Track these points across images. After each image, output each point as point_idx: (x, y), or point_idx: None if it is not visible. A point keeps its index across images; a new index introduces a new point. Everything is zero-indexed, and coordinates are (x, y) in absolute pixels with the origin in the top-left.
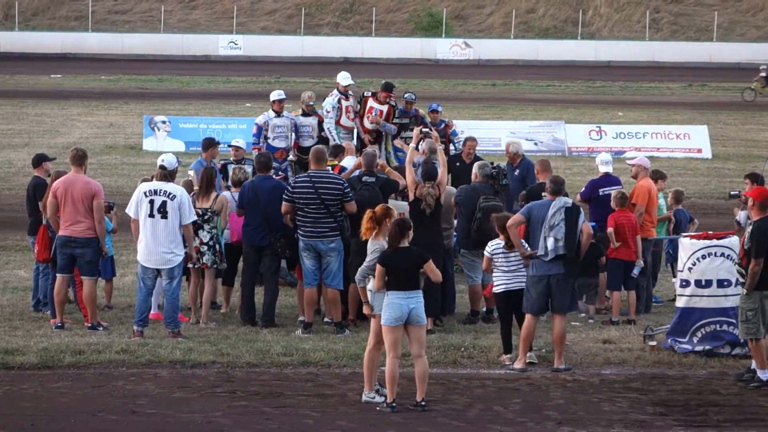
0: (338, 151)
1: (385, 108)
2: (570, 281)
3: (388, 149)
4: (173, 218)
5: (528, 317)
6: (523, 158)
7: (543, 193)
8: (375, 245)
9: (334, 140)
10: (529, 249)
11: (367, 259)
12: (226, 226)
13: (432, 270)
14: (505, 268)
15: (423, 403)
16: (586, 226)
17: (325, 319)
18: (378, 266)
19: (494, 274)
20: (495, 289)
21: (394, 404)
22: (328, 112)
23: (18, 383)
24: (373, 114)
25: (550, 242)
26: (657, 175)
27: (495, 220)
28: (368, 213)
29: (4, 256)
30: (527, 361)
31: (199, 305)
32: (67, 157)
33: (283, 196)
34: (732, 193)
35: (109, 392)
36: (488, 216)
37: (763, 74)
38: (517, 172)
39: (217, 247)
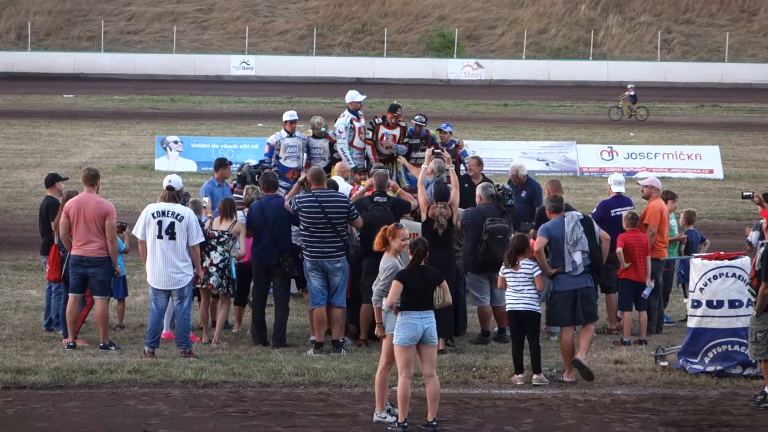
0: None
1: (397, 132)
2: (595, 291)
3: (398, 169)
4: (181, 239)
5: (563, 332)
6: (528, 179)
7: None
8: (387, 262)
9: (348, 161)
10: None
11: (381, 278)
12: (244, 252)
13: (446, 290)
14: (513, 288)
15: (434, 422)
16: (603, 233)
17: (339, 339)
18: (396, 282)
19: (506, 292)
20: (507, 308)
21: (405, 424)
22: (340, 132)
23: (30, 403)
24: (385, 139)
25: (578, 257)
26: (667, 196)
27: (514, 241)
28: (383, 229)
29: (17, 276)
30: (534, 383)
31: (211, 325)
32: (79, 177)
33: (288, 203)
34: (745, 194)
35: (121, 412)
36: (495, 238)
37: (631, 93)
38: (524, 194)
39: (227, 271)
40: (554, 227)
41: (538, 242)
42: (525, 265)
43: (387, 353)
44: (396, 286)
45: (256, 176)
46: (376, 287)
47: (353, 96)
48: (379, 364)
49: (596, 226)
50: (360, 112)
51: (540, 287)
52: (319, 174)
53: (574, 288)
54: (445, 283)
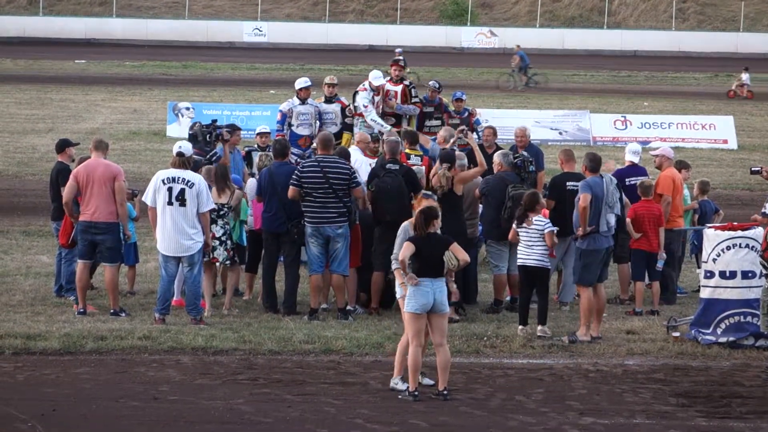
0: (415, 139)
1: (399, 88)
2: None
3: None
4: (191, 206)
5: (587, 290)
6: (531, 143)
7: (568, 182)
8: (404, 227)
9: (382, 126)
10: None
11: (398, 242)
12: (249, 212)
13: (458, 251)
14: (524, 243)
15: (445, 391)
16: (626, 199)
17: (348, 308)
18: (407, 242)
19: (518, 247)
20: (518, 263)
21: (416, 393)
22: (366, 107)
23: (40, 369)
24: (389, 98)
25: (612, 218)
26: (681, 165)
27: (525, 198)
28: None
29: (28, 242)
30: (538, 334)
31: (221, 292)
32: (90, 143)
33: (291, 180)
34: (753, 169)
35: (131, 378)
36: (518, 205)
37: (400, 58)
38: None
39: (229, 243)
40: (595, 185)
41: (583, 199)
42: (537, 221)
43: (412, 336)
44: (407, 246)
45: (208, 135)
46: (393, 252)
47: (376, 76)
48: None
49: (622, 192)
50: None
51: (549, 243)
52: (327, 140)
53: (606, 246)
54: (455, 245)
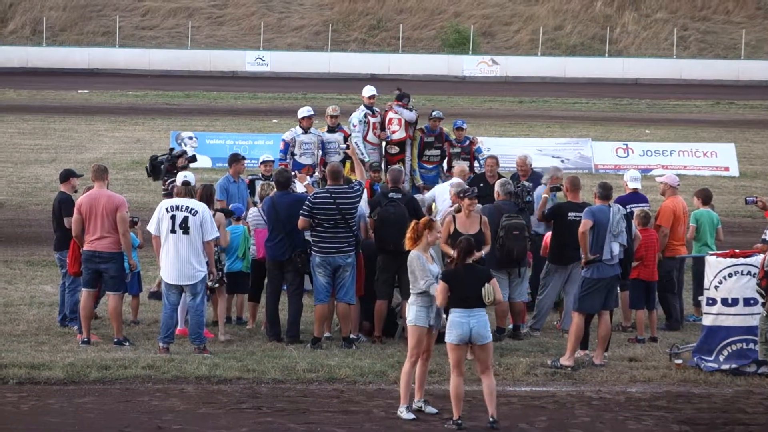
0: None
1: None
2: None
3: (413, 167)
4: (195, 234)
5: (579, 317)
6: (533, 171)
7: (569, 213)
8: (415, 257)
9: (362, 154)
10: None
11: (412, 269)
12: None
13: (496, 288)
14: None
15: (492, 419)
16: (637, 232)
17: (351, 336)
18: (441, 283)
19: None
20: None
21: (460, 421)
22: (354, 126)
23: (44, 398)
24: (394, 124)
25: (615, 247)
26: (703, 195)
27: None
28: (413, 224)
29: (31, 272)
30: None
31: (231, 320)
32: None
33: (302, 211)
34: (748, 199)
35: (134, 408)
36: (511, 234)
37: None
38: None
39: (220, 264)
40: (600, 212)
41: (583, 224)
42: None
43: (413, 346)
44: (442, 286)
45: (167, 163)
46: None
47: (368, 90)
48: (407, 358)
49: (633, 224)
50: (376, 109)
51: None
52: (336, 171)
53: (611, 275)
54: (494, 280)
